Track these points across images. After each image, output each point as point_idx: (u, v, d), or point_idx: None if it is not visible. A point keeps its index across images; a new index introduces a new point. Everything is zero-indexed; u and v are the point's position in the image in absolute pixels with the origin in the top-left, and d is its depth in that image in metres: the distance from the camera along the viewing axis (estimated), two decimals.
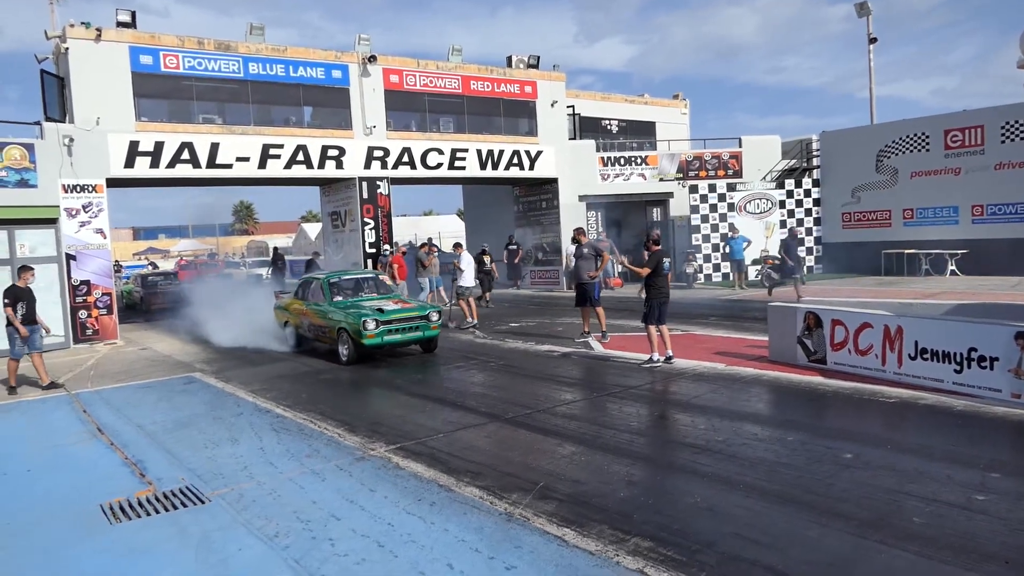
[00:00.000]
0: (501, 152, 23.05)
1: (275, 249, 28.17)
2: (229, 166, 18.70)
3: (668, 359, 10.12)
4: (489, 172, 23.04)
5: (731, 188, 23.44)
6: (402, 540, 4.86)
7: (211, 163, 18.38)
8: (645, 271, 10.08)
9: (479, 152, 22.66)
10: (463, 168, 22.54)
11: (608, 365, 10.72)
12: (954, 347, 7.66)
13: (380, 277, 14.43)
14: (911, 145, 21.52)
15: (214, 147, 18.37)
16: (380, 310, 11.79)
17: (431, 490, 5.78)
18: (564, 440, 7.02)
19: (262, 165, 19.11)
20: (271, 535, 5.05)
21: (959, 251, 20.12)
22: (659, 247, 10.27)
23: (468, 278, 16.03)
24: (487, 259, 20.23)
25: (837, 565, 4.26)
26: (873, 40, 28.94)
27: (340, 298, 12.74)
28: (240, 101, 19.01)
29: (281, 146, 19.30)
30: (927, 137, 21.17)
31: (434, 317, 12.06)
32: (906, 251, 21.08)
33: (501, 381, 10.10)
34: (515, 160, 23.35)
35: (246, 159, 18.89)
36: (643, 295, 10.18)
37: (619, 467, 6.17)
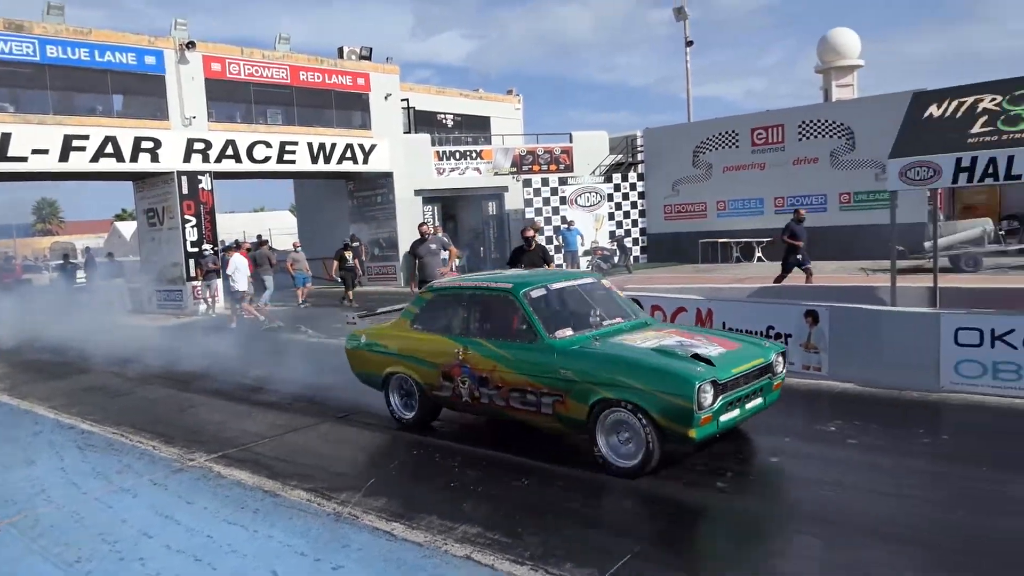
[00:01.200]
0: (333, 145, 22.46)
1: (65, 255, 25.07)
2: (24, 159, 16.90)
3: None
4: (321, 166, 22.39)
5: (563, 182, 24.24)
6: (222, 551, 4.62)
7: (2, 156, 16.54)
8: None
9: (310, 145, 21.94)
10: (293, 162, 21.75)
11: None
12: (756, 326, 8.36)
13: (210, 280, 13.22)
14: (723, 142, 23.24)
15: (5, 138, 16.54)
16: (700, 358, 5.47)
17: (255, 497, 5.54)
18: (398, 436, 6.96)
19: (64, 158, 17.43)
20: (71, 561, 4.63)
21: (764, 239, 21.99)
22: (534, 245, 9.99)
23: (241, 282, 15.49)
24: (349, 255, 19.41)
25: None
26: (689, 43, 30.99)
27: (566, 331, 6.02)
28: (36, 87, 17.24)
29: (87, 137, 17.69)
30: (736, 135, 22.94)
31: (779, 367, 6.00)
32: (720, 240, 22.77)
33: (337, 381, 9.87)
34: (348, 154, 22.84)
35: (44, 151, 17.15)
36: None
37: (460, 456, 6.21)
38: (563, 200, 23.92)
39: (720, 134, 23.28)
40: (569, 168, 25.68)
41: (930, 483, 5.13)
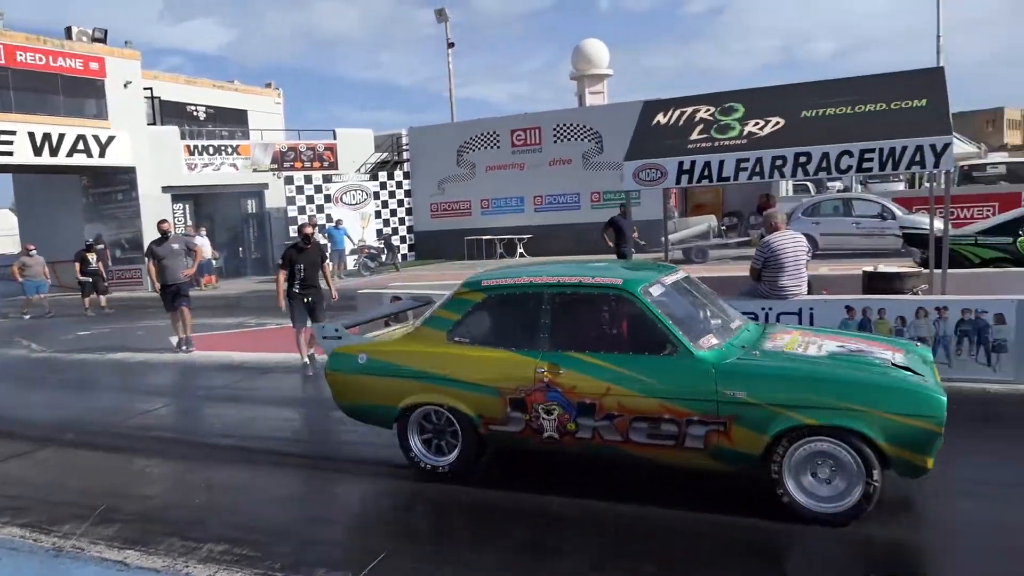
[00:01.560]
0: (62, 136, 19.99)
1: None
2: None
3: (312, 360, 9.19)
4: (47, 159, 19.84)
5: (327, 180, 23.63)
6: None
7: None
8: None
9: (32, 135, 19.36)
10: (10, 154, 19.05)
11: (197, 368, 10.02)
12: None
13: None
14: (485, 142, 24.01)
15: None
16: (898, 367, 4.50)
17: None
18: (135, 455, 6.35)
19: None
20: None
21: (525, 236, 23.09)
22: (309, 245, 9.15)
23: None
24: (92, 256, 17.17)
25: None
26: (451, 45, 31.61)
27: (710, 339, 4.75)
28: None
29: None
30: (498, 136, 23.83)
31: None
32: (484, 237, 23.53)
33: (62, 399, 8.79)
34: (81, 146, 20.46)
35: None
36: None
37: (198, 473, 5.79)
38: (328, 198, 23.32)
39: (482, 135, 24.03)
40: (334, 166, 25.09)
41: None
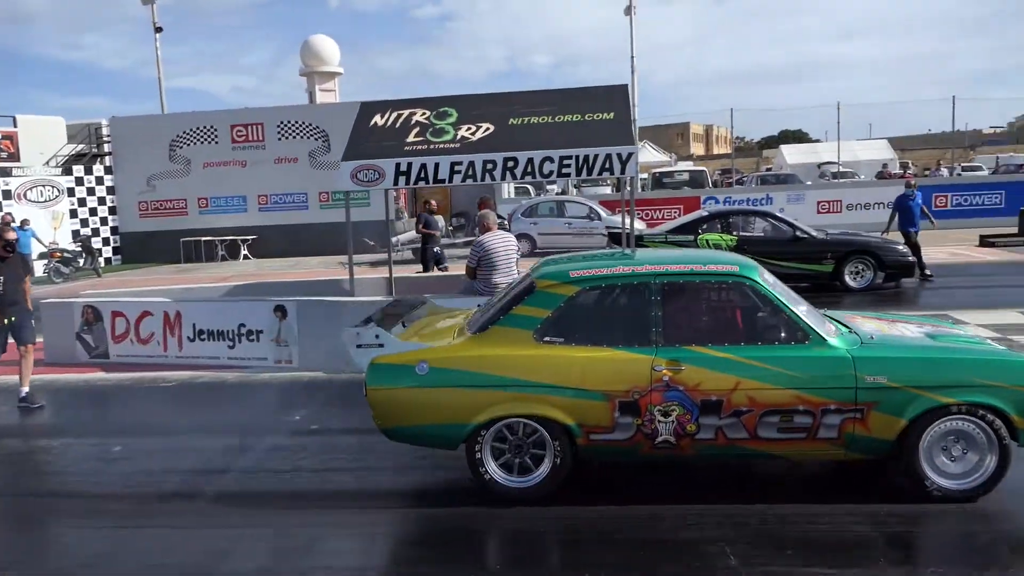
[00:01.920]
0: None
1: None
2: None
3: None
4: None
5: (6, 173, 20.44)
6: None
7: None
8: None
9: None
10: None
11: None
12: (227, 325, 8.23)
13: None
14: (202, 137, 22.37)
15: None
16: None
17: None
18: None
19: None
20: None
21: (250, 237, 21.92)
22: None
23: None
24: None
25: (96, 565, 4.07)
26: (159, 29, 28.99)
27: (829, 326, 4.67)
28: None
29: None
30: (215, 130, 22.32)
31: None
32: (203, 238, 21.93)
33: None
34: None
35: None
36: None
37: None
38: (8, 195, 20.18)
39: (198, 128, 22.37)
40: (15, 157, 21.75)
41: (374, 452, 5.69)
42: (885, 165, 33.99)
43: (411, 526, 4.48)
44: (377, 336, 4.74)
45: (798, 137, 66.58)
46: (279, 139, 22.16)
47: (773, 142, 68.44)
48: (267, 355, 8.10)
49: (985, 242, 17.06)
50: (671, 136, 77.53)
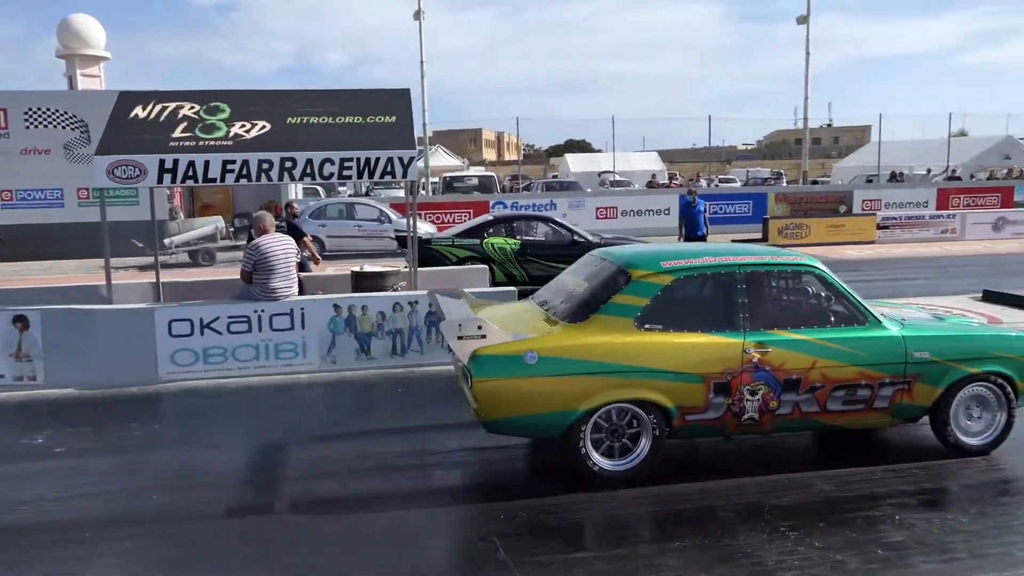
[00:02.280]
0: None
1: None
2: None
3: None
4: None
5: None
6: None
7: None
8: None
9: None
10: None
11: None
12: None
13: None
14: None
15: None
16: None
17: None
18: None
19: None
20: None
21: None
22: None
23: None
24: None
25: None
26: None
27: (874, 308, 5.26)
28: None
29: None
30: None
31: None
32: None
33: None
34: None
35: None
36: None
37: None
38: None
39: None
40: None
41: (133, 473, 5.23)
42: (654, 175, 37.05)
43: (171, 551, 4.17)
44: (480, 327, 4.59)
45: (582, 147, 70.59)
46: (27, 127, 19.65)
47: (560, 150, 72.04)
48: (5, 372, 7.15)
49: None
50: (464, 141, 79.04)
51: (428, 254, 11.89)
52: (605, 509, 4.48)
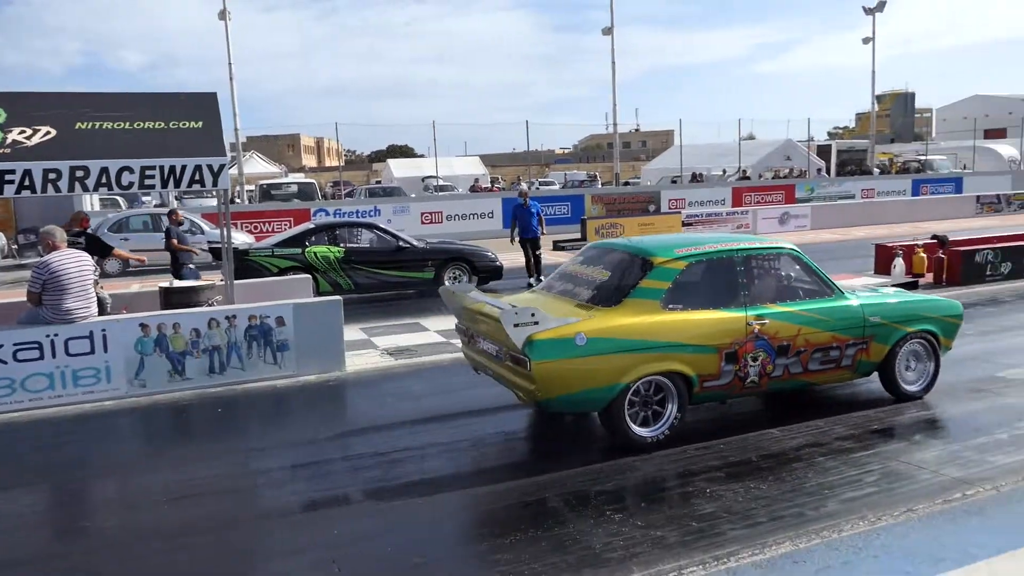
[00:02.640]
0: None
1: None
2: None
3: None
4: None
5: None
6: None
7: None
8: None
9: None
10: None
11: None
12: None
13: None
14: None
15: None
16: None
17: None
18: None
19: None
20: None
21: None
22: None
23: None
24: None
25: None
26: None
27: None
28: None
29: None
30: None
31: None
32: None
33: None
34: None
35: None
36: None
37: None
38: None
39: None
40: None
41: None
42: (477, 179, 37.63)
43: None
44: (533, 315, 4.98)
45: (404, 152, 70.38)
46: None
47: (382, 156, 71.35)
48: None
49: (558, 246, 19.88)
50: (282, 147, 76.12)
51: (246, 266, 11.35)
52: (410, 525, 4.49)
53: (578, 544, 4.03)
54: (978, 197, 26.10)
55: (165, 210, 20.71)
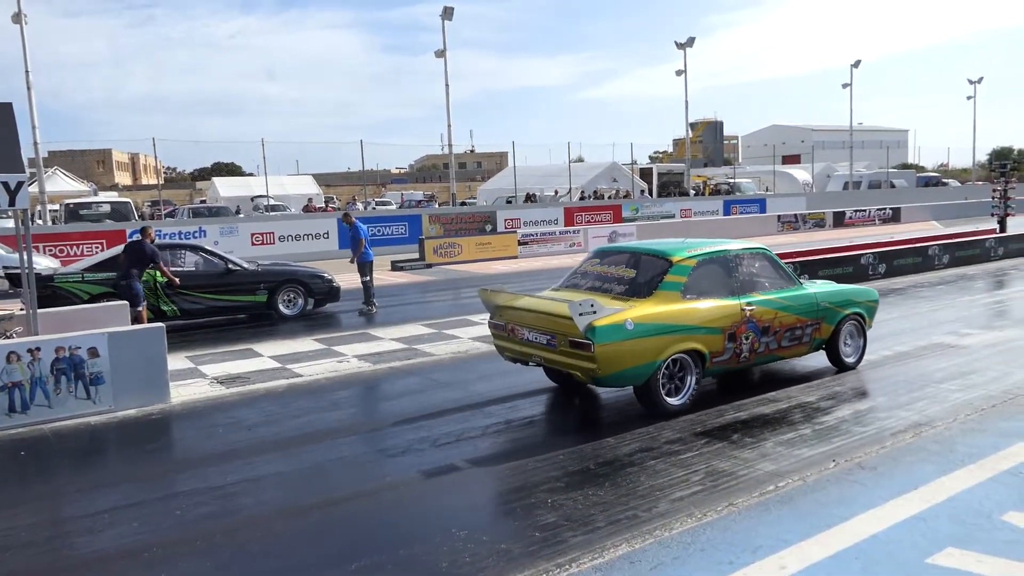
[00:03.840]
0: None
1: None
2: None
3: None
4: None
5: None
6: None
7: None
8: None
9: None
10: None
11: None
12: None
13: None
14: None
15: None
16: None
17: None
18: None
19: None
20: None
21: None
22: None
23: None
24: None
25: None
26: None
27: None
28: None
29: None
30: None
31: None
32: None
33: None
34: None
35: None
36: None
37: None
38: None
39: None
40: None
41: None
42: (311, 199, 36.60)
43: None
44: (592, 304, 5.91)
45: (231, 170, 67.16)
46: None
47: (207, 174, 67.62)
48: None
49: (396, 266, 19.75)
50: (91, 163, 70.21)
51: (52, 293, 10.36)
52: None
53: (424, 564, 4.01)
54: (779, 216, 28.85)
55: None
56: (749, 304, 6.80)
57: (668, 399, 6.38)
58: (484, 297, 7.15)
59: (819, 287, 7.72)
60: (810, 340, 7.39)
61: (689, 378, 6.50)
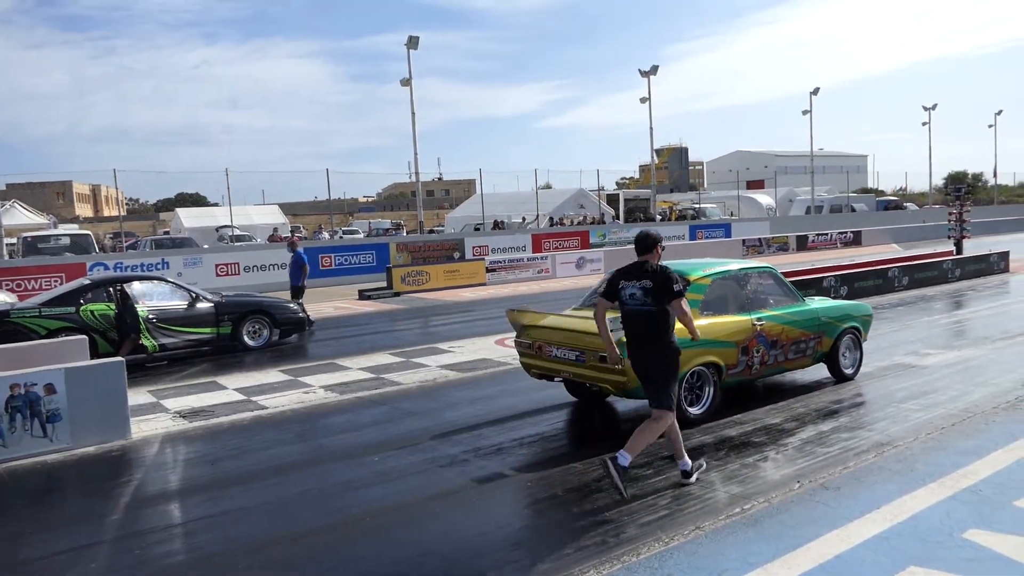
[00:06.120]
0: None
1: None
2: None
3: None
4: None
5: None
6: None
7: None
8: None
9: None
10: None
11: None
12: None
13: None
14: None
15: None
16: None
17: None
18: None
19: None
20: None
21: None
22: None
23: None
24: None
25: None
26: None
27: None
28: None
29: None
30: None
31: None
32: None
33: None
34: None
35: None
36: None
37: None
38: None
39: None
40: None
41: None
42: (276, 229, 36.31)
43: None
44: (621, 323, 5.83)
45: (195, 200, 66.44)
46: None
47: (170, 204, 66.81)
48: None
49: (363, 295, 19.63)
50: (50, 196, 69.05)
51: (8, 329, 10.11)
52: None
53: None
54: (744, 240, 29.33)
55: None
56: (759, 319, 7.23)
57: (689, 408, 6.74)
58: (511, 317, 7.55)
59: (819, 303, 8.16)
60: (813, 353, 7.81)
61: (708, 388, 6.87)
